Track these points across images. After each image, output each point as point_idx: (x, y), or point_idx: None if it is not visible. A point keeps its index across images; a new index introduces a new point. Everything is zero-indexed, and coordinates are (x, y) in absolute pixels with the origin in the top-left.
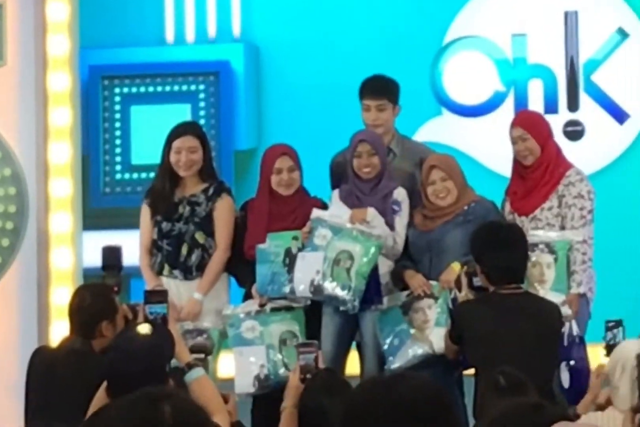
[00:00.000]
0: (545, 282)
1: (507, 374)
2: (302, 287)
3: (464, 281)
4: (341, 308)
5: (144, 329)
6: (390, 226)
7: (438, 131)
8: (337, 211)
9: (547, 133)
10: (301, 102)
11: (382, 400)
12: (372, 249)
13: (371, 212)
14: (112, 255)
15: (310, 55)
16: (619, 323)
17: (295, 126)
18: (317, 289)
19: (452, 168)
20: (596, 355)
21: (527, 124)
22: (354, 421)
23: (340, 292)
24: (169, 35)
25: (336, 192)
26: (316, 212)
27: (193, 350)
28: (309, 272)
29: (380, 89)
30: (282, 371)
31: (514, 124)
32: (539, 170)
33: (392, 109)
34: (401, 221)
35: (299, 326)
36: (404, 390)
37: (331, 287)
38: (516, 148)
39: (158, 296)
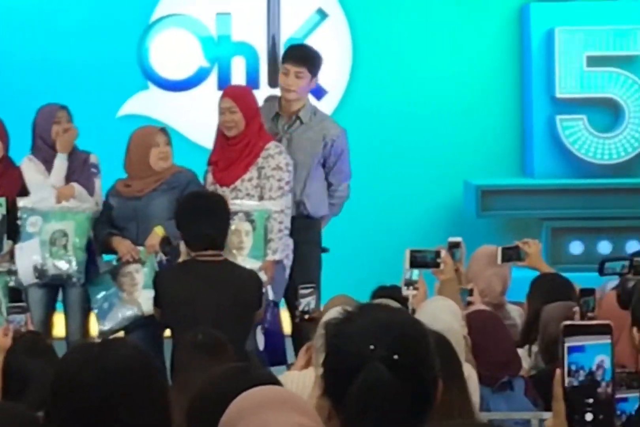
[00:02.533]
0: (243, 249)
1: (206, 334)
2: (27, 275)
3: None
4: (70, 282)
5: None
6: (91, 188)
7: (144, 104)
8: (41, 194)
9: (255, 109)
10: (10, 75)
11: (90, 366)
12: (84, 222)
13: (78, 188)
14: None
15: (21, 26)
16: (312, 291)
17: (5, 99)
18: (41, 272)
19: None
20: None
21: (238, 98)
22: (60, 387)
23: (63, 269)
24: None
25: (27, 160)
26: (22, 201)
27: None
28: (28, 260)
29: (303, 57)
30: (51, 268)
31: (224, 96)
32: (242, 143)
33: (309, 79)
34: (100, 182)
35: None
36: (112, 357)
37: (53, 266)
38: (223, 118)
39: None
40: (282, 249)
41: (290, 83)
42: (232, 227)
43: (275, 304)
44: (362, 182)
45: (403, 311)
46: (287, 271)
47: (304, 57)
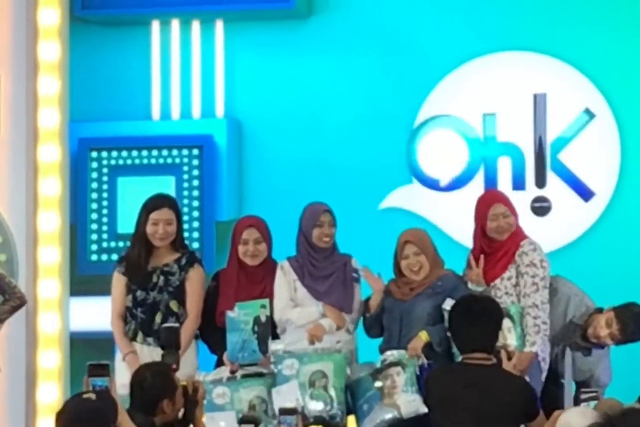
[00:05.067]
0: (510, 346)
1: None
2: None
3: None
4: (332, 423)
5: (88, 396)
6: (350, 295)
7: (407, 200)
8: (292, 337)
9: (516, 210)
10: (281, 175)
11: None
12: (342, 361)
13: (325, 326)
14: (170, 335)
15: (289, 131)
16: (594, 396)
17: (275, 198)
18: (302, 415)
19: (425, 243)
20: None
21: (508, 202)
22: None
23: (325, 410)
24: (155, 110)
25: (279, 268)
26: (273, 346)
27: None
28: (288, 403)
29: None
30: (313, 410)
31: (495, 201)
32: (506, 243)
33: None
34: (360, 288)
35: (268, 391)
36: None
37: (314, 408)
38: (496, 224)
39: (100, 369)
40: (541, 344)
41: None
42: None
43: None
44: None
45: None
46: (544, 374)
47: None
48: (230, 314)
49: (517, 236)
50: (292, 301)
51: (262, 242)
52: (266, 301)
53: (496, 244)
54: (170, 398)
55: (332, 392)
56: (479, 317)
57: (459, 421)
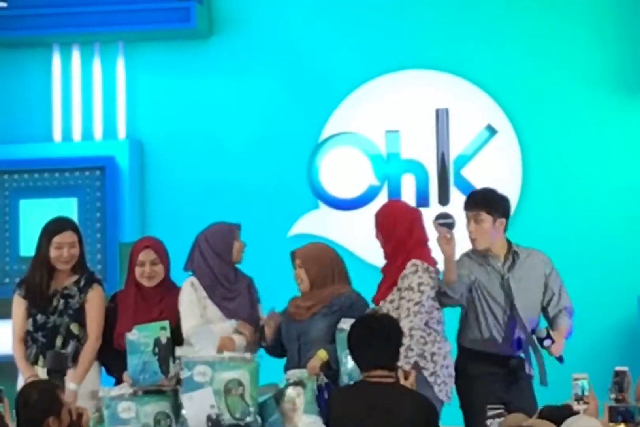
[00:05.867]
0: None
1: None
2: (198, 425)
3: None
4: None
5: None
6: (257, 312)
7: (315, 224)
8: (200, 345)
9: (391, 232)
10: (183, 196)
11: None
12: (256, 371)
13: (237, 340)
14: (57, 360)
15: (192, 151)
16: (500, 413)
17: (178, 219)
18: (215, 423)
19: (310, 258)
20: None
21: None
22: None
23: (242, 419)
24: (57, 132)
25: (189, 285)
26: (180, 351)
27: None
28: (201, 409)
29: (476, 201)
30: (228, 418)
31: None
32: (396, 264)
33: (491, 222)
34: (262, 308)
35: (171, 407)
36: None
37: (231, 416)
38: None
39: None
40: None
41: (471, 229)
42: None
43: None
44: None
45: None
46: (440, 387)
47: (478, 200)
48: (130, 336)
49: (408, 256)
50: (202, 318)
51: (159, 263)
52: (166, 323)
53: (387, 264)
54: (55, 416)
55: (250, 401)
56: (380, 335)
57: None
